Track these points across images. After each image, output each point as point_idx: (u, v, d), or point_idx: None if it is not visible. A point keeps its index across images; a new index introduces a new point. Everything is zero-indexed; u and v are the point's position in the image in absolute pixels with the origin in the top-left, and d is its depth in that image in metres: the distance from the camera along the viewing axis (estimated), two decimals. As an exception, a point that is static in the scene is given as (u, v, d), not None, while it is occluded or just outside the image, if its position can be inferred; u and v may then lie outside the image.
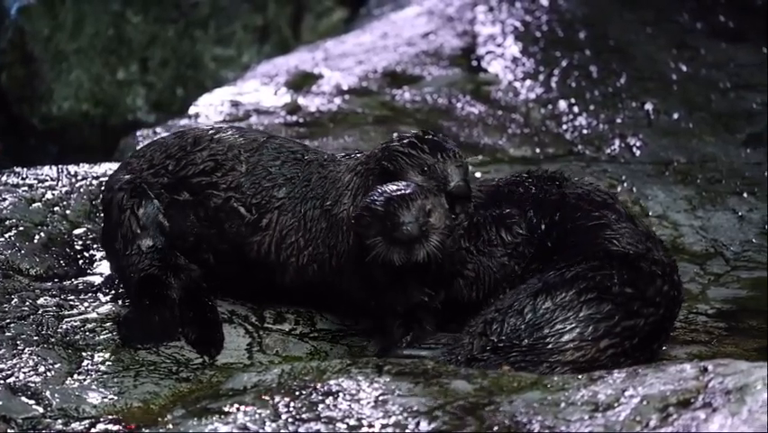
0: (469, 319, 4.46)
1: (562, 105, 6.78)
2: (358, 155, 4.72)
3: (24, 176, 5.34)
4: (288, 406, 3.92)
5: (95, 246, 5.05)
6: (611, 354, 4.29)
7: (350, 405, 3.90)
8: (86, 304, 4.73)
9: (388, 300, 4.51)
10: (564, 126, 6.62)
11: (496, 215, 4.58)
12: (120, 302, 4.74)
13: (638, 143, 6.43)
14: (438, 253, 4.38)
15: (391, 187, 4.42)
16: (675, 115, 6.69)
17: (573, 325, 4.30)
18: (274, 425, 3.84)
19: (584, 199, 4.57)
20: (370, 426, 3.79)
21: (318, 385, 4.00)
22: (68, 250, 5.03)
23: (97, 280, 4.89)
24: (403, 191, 4.38)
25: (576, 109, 6.74)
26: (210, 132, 4.79)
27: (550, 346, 4.29)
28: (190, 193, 4.70)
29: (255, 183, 4.68)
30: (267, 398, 3.98)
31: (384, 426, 3.78)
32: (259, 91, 7.11)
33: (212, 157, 4.71)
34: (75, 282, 4.87)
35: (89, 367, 4.41)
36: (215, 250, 4.70)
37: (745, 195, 5.94)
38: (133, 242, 4.69)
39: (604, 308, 4.32)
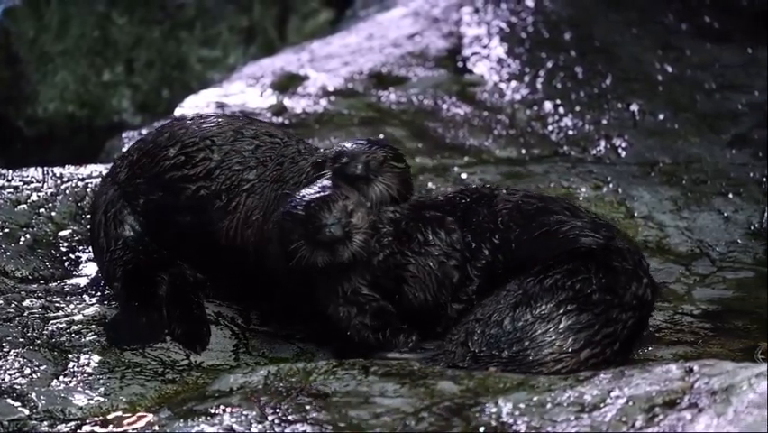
0: (430, 328, 4.48)
1: (548, 106, 6.78)
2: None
3: (10, 177, 5.32)
4: (274, 407, 3.92)
5: (80, 248, 5.04)
6: (592, 364, 4.27)
7: (336, 406, 3.89)
8: (71, 306, 4.72)
9: (338, 310, 4.49)
10: (550, 127, 6.62)
11: (430, 216, 4.54)
12: (106, 304, 4.73)
13: (624, 144, 6.43)
14: (363, 253, 4.35)
15: (310, 190, 4.39)
16: (661, 116, 6.70)
17: (553, 337, 4.28)
18: (260, 426, 3.83)
19: (515, 213, 4.51)
20: (357, 427, 3.79)
21: (305, 387, 4.00)
22: (53, 252, 5.02)
23: (83, 281, 4.88)
24: (322, 194, 4.35)
25: (561, 110, 6.75)
26: (187, 122, 4.77)
27: (530, 359, 4.27)
28: (164, 187, 4.69)
29: (227, 168, 4.66)
30: (253, 399, 3.98)
31: (371, 427, 3.78)
32: (244, 92, 7.09)
33: (183, 150, 4.69)
34: (61, 284, 4.86)
35: (75, 369, 4.40)
36: (194, 244, 4.68)
37: (730, 195, 5.95)
38: (118, 238, 4.69)
39: (584, 318, 4.30)
